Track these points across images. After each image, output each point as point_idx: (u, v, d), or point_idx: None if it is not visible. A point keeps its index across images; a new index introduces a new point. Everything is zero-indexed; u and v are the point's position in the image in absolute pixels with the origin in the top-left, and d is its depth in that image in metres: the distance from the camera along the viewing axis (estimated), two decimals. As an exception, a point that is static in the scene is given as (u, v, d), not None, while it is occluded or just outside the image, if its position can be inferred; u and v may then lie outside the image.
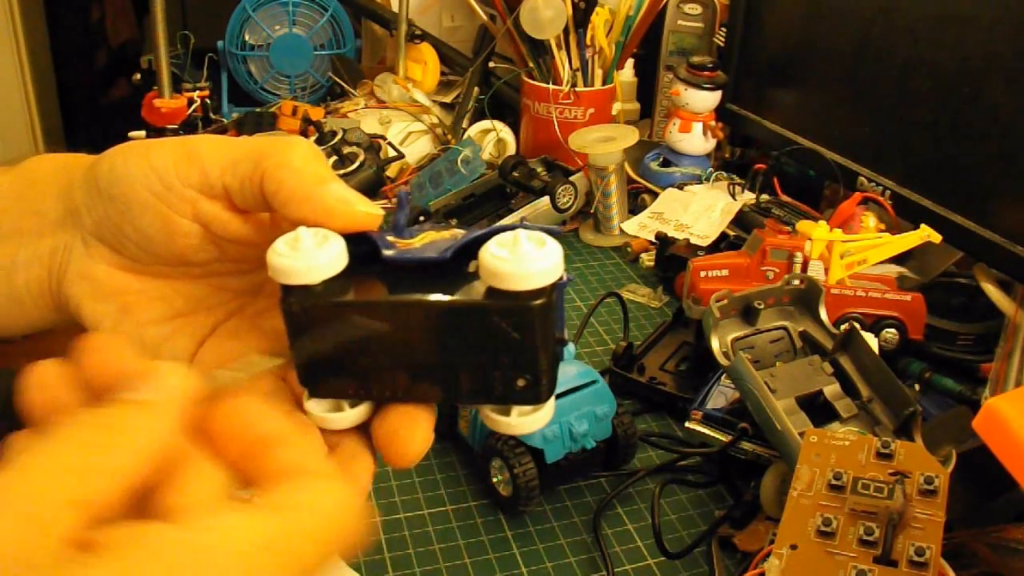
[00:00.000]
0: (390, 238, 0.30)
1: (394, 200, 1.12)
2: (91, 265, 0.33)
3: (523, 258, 0.26)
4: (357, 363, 0.28)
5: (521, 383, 0.28)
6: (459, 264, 0.28)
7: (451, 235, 0.29)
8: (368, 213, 0.30)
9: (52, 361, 0.26)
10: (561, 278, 0.28)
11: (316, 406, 0.30)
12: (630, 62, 1.31)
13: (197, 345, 0.34)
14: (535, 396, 0.28)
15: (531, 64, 1.18)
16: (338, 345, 0.28)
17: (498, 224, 0.28)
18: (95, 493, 0.22)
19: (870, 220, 0.89)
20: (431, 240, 0.29)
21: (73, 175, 0.34)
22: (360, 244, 0.29)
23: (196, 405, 0.25)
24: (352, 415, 0.29)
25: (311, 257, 0.27)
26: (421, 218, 0.97)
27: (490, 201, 1.07)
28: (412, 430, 0.29)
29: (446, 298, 0.27)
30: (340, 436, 0.30)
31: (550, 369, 0.28)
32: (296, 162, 0.30)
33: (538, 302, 0.26)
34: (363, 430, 0.30)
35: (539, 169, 1.06)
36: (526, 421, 0.29)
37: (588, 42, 1.14)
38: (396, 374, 0.29)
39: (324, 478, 0.25)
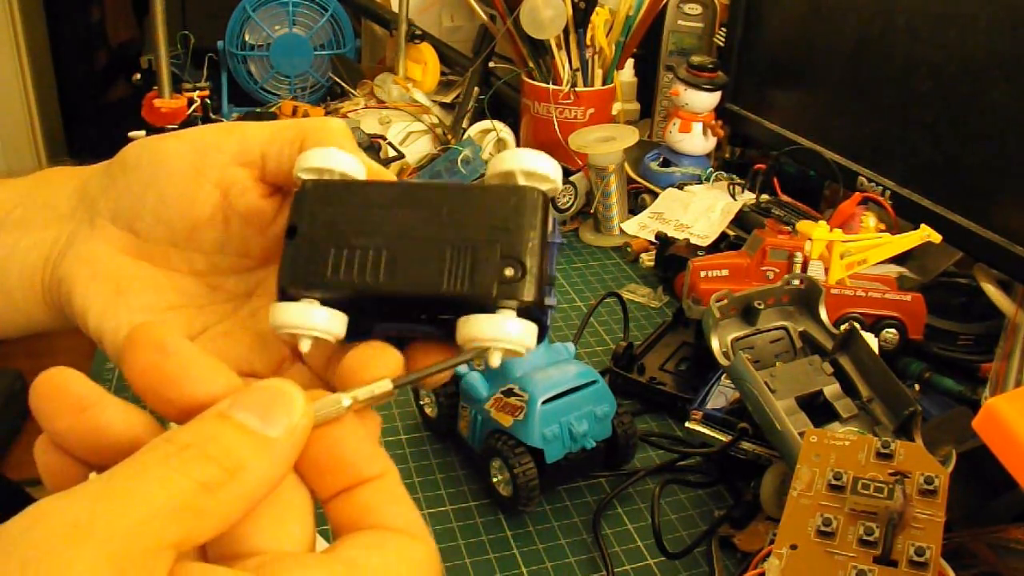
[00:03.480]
0: None
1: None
2: (94, 246, 0.34)
3: (523, 156, 0.30)
4: (348, 242, 0.29)
5: (509, 272, 0.28)
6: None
7: None
8: None
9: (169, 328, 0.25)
10: (555, 232, 0.30)
11: (283, 312, 0.29)
12: (630, 62, 1.31)
13: None
14: (519, 290, 0.28)
15: (531, 64, 1.18)
16: (336, 222, 0.29)
17: None
18: (196, 535, 0.20)
19: (870, 220, 0.89)
20: None
21: (90, 174, 0.36)
22: None
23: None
24: (323, 318, 0.29)
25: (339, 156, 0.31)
26: None
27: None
28: (379, 360, 0.28)
29: (451, 181, 0.30)
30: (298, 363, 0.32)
31: (539, 272, 0.29)
32: (334, 141, 0.33)
33: (535, 190, 0.29)
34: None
35: (539, 169, 1.06)
36: (507, 331, 0.28)
37: (588, 42, 1.14)
38: (385, 256, 0.29)
39: (406, 537, 0.24)
